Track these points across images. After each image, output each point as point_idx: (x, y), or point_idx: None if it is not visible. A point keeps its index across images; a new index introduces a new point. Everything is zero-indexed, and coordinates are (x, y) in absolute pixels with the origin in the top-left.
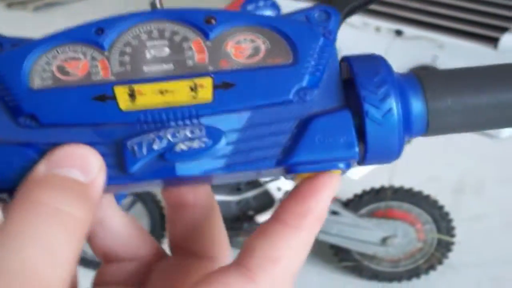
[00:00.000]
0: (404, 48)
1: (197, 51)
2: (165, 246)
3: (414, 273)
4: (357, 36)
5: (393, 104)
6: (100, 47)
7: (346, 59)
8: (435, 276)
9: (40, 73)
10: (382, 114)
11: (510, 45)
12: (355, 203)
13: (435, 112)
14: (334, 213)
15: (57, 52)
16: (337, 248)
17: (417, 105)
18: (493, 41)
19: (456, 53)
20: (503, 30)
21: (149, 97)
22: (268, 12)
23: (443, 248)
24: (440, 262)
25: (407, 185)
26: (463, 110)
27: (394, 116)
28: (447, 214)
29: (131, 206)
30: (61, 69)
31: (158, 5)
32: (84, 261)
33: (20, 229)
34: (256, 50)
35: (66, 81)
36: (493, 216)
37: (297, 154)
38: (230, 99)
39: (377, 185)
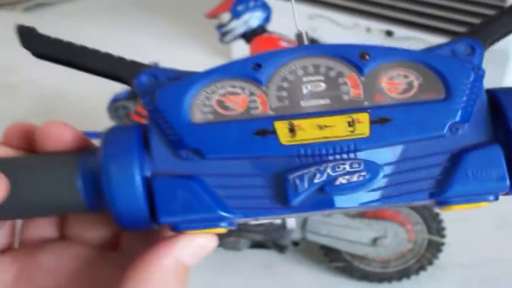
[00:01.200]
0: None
1: (352, 86)
2: None
3: (404, 274)
4: (348, 36)
5: None
6: (258, 82)
7: (491, 92)
8: (425, 277)
9: (201, 107)
10: None
11: (500, 47)
12: None
13: None
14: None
15: (216, 87)
16: (327, 249)
17: None
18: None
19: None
20: None
21: (309, 131)
22: (259, 13)
23: (434, 248)
24: (430, 263)
25: None
26: None
27: None
28: (437, 214)
29: None
30: (221, 104)
31: (304, 37)
32: None
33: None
34: (409, 85)
35: (227, 115)
36: (484, 217)
37: (451, 187)
38: (387, 133)
39: None
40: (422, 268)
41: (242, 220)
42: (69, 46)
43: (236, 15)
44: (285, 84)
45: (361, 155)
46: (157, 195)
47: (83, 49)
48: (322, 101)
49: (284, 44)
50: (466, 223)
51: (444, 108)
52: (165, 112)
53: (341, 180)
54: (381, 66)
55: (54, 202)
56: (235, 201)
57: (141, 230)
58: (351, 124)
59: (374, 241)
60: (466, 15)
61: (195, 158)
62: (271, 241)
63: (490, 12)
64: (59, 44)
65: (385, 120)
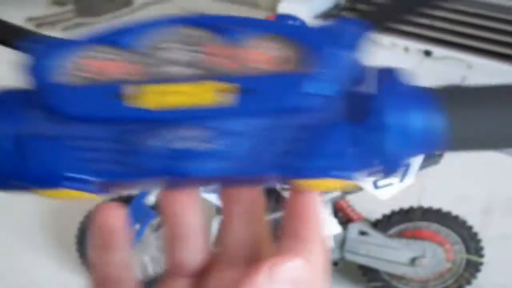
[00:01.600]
0: (433, 68)
1: (222, 56)
2: None
3: None
4: (386, 56)
5: (410, 119)
6: (127, 49)
7: (370, 71)
8: None
9: (70, 70)
10: (398, 130)
11: None
12: (383, 224)
13: (456, 129)
14: (362, 233)
15: (86, 51)
16: (365, 269)
17: (435, 121)
18: None
19: (485, 73)
20: None
21: (172, 97)
22: None
23: (472, 268)
24: (469, 283)
25: (436, 205)
26: (485, 127)
27: (409, 132)
28: (476, 234)
29: (160, 226)
30: (88, 68)
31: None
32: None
33: None
34: (279, 58)
35: (92, 78)
36: None
37: (305, 159)
38: (250, 104)
39: (406, 205)
40: (460, 287)
41: (105, 186)
42: None
43: None
44: (154, 52)
45: (222, 124)
46: (22, 153)
47: None
48: (190, 69)
49: None
50: (504, 242)
51: (310, 81)
52: (37, 72)
53: (198, 147)
54: (254, 38)
55: None
56: (89, 164)
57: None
58: (214, 92)
59: (413, 261)
60: (504, 34)
61: (59, 119)
62: None
63: None
64: None
65: (250, 91)
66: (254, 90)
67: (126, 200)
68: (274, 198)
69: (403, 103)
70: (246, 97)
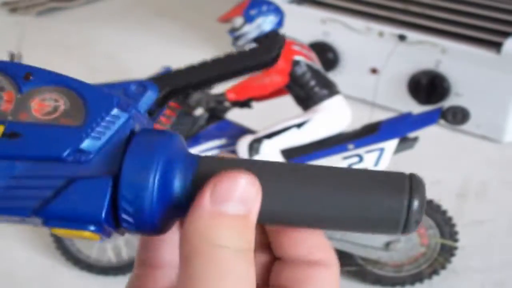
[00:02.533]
0: (408, 53)
1: (6, 100)
2: None
3: (417, 278)
4: (360, 41)
5: (149, 180)
6: None
7: (137, 132)
8: (438, 281)
9: None
10: (135, 188)
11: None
12: None
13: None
14: None
15: None
16: (340, 253)
17: (181, 185)
18: (496, 46)
19: (459, 58)
20: (506, 35)
21: None
22: (271, 17)
23: (446, 253)
24: (443, 267)
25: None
26: None
27: (147, 192)
28: (450, 218)
29: None
30: None
31: (15, 59)
32: (87, 266)
33: (210, 275)
34: (55, 109)
35: None
36: (497, 221)
37: (49, 208)
38: (12, 147)
39: None
40: (435, 272)
41: None
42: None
43: (249, 19)
44: None
45: None
46: None
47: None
48: None
49: (296, 48)
50: (479, 227)
51: (73, 134)
52: None
53: None
54: (39, 88)
55: None
56: None
57: None
58: None
59: (387, 245)
60: (479, 19)
61: None
62: None
63: (503, 16)
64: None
65: (15, 135)
66: (20, 135)
67: None
68: None
69: (144, 165)
70: (9, 140)
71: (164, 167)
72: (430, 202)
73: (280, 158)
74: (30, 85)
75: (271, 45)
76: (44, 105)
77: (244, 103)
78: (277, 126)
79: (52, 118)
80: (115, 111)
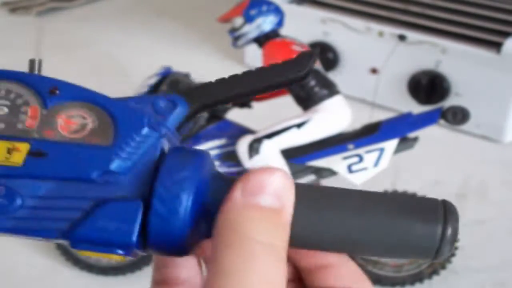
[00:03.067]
0: (408, 53)
1: (30, 116)
2: None
3: (417, 278)
4: (360, 41)
5: (182, 204)
6: None
7: (169, 151)
8: (438, 281)
9: None
10: (168, 211)
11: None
12: None
13: None
14: None
15: None
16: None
17: (211, 206)
18: (496, 46)
19: (459, 58)
20: (506, 35)
21: None
22: (271, 17)
23: None
24: (443, 267)
25: (410, 189)
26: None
27: (179, 215)
28: None
29: None
30: None
31: (36, 65)
32: (87, 266)
33: (239, 267)
34: (83, 127)
35: None
36: (497, 221)
37: (77, 231)
38: (39, 167)
39: (380, 189)
40: (435, 272)
41: None
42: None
43: (248, 19)
44: None
45: (8, 182)
46: None
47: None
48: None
49: (297, 48)
50: (479, 227)
51: (102, 154)
52: None
53: None
54: (66, 104)
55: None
56: None
57: None
58: (9, 151)
59: None
60: (479, 19)
61: None
62: None
63: (503, 16)
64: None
65: (41, 154)
66: (47, 154)
67: None
68: None
69: (179, 189)
70: (35, 159)
71: (196, 191)
72: None
73: (280, 158)
74: (56, 100)
75: (304, 61)
76: (71, 122)
77: (244, 103)
78: (277, 126)
79: (80, 136)
80: (145, 130)
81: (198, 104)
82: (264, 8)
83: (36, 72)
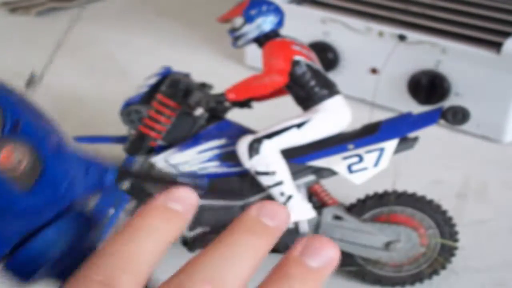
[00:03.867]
0: (408, 53)
1: None
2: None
3: (417, 278)
4: (360, 41)
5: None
6: None
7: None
8: (438, 281)
9: None
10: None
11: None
12: (358, 208)
13: None
14: (337, 218)
15: None
16: (340, 253)
17: None
18: (496, 46)
19: (459, 58)
20: (506, 35)
21: None
22: (271, 17)
23: (446, 253)
24: (443, 267)
25: (410, 189)
26: None
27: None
28: (450, 218)
29: (134, 210)
30: None
31: (34, 82)
32: None
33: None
34: (18, 164)
35: None
36: (497, 221)
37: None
38: None
39: (380, 189)
40: (435, 272)
41: None
42: None
43: (248, 19)
44: None
45: None
46: None
47: None
48: None
49: (296, 48)
50: (479, 227)
51: (16, 198)
52: None
53: None
54: (15, 139)
55: None
56: None
57: None
58: None
59: (387, 245)
60: (479, 19)
61: None
62: (284, 245)
63: (503, 16)
64: None
65: None
66: None
67: None
68: (249, 182)
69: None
70: None
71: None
72: (431, 202)
73: (280, 158)
74: (9, 133)
75: None
76: (10, 158)
77: (244, 103)
78: (277, 126)
79: (11, 174)
80: (61, 193)
81: (127, 183)
82: (264, 8)
83: (33, 85)
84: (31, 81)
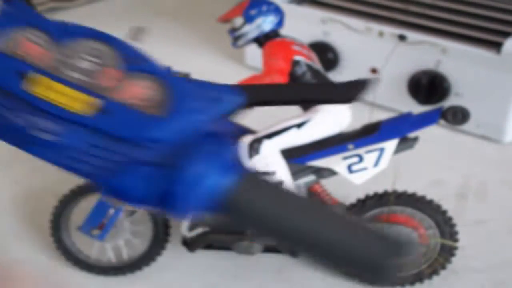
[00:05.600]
0: (408, 53)
1: (114, 77)
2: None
3: (417, 278)
4: (360, 41)
5: (199, 189)
6: (56, 41)
7: (204, 135)
8: (438, 281)
9: (3, 39)
10: (185, 189)
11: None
12: (358, 208)
13: (238, 199)
14: None
15: (24, 30)
16: None
17: (223, 189)
18: (496, 46)
19: (459, 58)
20: (506, 35)
21: (51, 92)
22: (271, 17)
23: (446, 253)
24: (443, 267)
25: (410, 189)
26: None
27: (193, 196)
28: (450, 218)
29: (134, 211)
30: (19, 43)
31: (136, 35)
32: (87, 266)
33: None
34: (149, 97)
35: (13, 52)
36: (497, 221)
37: (110, 181)
38: (103, 122)
39: (380, 189)
40: (435, 272)
41: None
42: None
43: (248, 19)
44: (69, 52)
45: (72, 126)
46: None
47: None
48: (82, 77)
49: (296, 48)
50: (479, 227)
51: (154, 124)
52: None
53: (41, 135)
54: (143, 75)
55: None
56: None
57: None
58: (85, 103)
59: None
60: (479, 19)
61: None
62: (284, 245)
63: (503, 16)
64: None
65: (108, 112)
66: (112, 113)
67: None
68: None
69: (208, 164)
70: (102, 115)
71: (218, 174)
72: (430, 202)
73: (280, 158)
74: (136, 69)
75: (357, 87)
76: (139, 91)
77: None
78: (277, 126)
79: (143, 105)
80: (197, 115)
81: (254, 100)
82: (264, 8)
83: (138, 39)
84: (138, 32)
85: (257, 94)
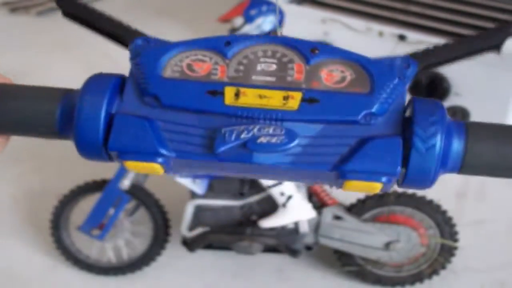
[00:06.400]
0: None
1: (297, 71)
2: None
3: (417, 278)
4: (360, 41)
5: (437, 142)
6: (224, 55)
7: (413, 100)
8: (438, 281)
9: (172, 67)
10: (426, 148)
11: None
12: (358, 208)
13: (471, 156)
14: (337, 218)
15: (190, 53)
16: (340, 253)
17: (457, 147)
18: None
19: None
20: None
21: (250, 98)
22: (271, 17)
23: (446, 253)
24: (443, 267)
25: (410, 189)
26: (496, 159)
27: (435, 151)
28: (450, 218)
29: (134, 210)
30: (189, 67)
31: (278, 33)
32: (87, 266)
33: None
34: (343, 79)
35: (190, 76)
36: (497, 221)
37: (350, 162)
38: (312, 111)
39: None
40: (435, 272)
41: (178, 165)
42: (91, 10)
43: (249, 19)
44: (244, 60)
45: (285, 124)
46: (113, 127)
47: (100, 14)
48: (269, 78)
49: None
50: (479, 227)
51: (364, 100)
52: (144, 65)
53: (262, 140)
54: (325, 61)
55: (33, 124)
56: (174, 144)
57: (96, 158)
58: (285, 98)
59: (387, 245)
60: (479, 19)
61: (154, 104)
62: (284, 245)
63: (503, 16)
64: (83, 7)
65: (313, 101)
66: (318, 101)
67: (101, 185)
68: (249, 182)
69: (434, 130)
70: (308, 105)
71: (446, 132)
72: (430, 202)
73: None
74: (316, 58)
75: (500, 33)
76: (333, 75)
77: None
78: None
79: (342, 86)
80: (396, 80)
81: (424, 64)
82: (264, 8)
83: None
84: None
85: (426, 58)
